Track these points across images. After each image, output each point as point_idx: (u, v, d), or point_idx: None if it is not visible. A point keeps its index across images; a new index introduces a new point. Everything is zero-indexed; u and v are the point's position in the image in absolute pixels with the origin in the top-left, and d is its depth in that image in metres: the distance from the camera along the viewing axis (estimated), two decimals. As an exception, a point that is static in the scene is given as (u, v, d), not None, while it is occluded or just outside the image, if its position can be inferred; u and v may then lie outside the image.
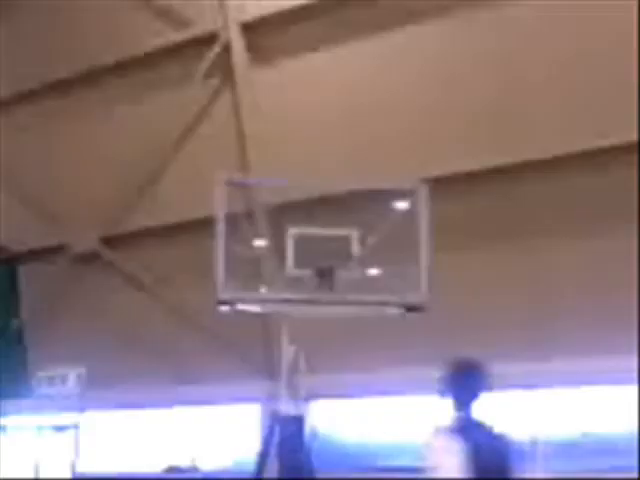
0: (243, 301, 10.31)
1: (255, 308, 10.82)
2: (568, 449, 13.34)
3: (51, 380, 17.62)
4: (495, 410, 13.74)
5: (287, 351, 10.41)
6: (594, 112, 12.69)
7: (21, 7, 18.04)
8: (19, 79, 17.74)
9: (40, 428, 17.98)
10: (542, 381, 13.31)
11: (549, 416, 13.60)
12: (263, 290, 12.16)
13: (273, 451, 9.75)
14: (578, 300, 12.96)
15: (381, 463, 14.59)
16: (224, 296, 9.92)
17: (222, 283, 9.82)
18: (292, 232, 10.19)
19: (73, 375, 17.56)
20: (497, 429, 4.53)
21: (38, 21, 17.83)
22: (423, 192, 10.15)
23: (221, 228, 10.04)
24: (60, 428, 17.81)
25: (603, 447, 13.01)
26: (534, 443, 13.54)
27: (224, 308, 10.21)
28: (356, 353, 14.39)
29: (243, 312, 10.65)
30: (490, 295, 13.64)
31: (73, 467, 17.35)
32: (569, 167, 12.93)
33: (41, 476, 17.53)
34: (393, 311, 10.36)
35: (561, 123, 13.01)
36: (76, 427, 17.61)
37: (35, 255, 18.40)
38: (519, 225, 13.57)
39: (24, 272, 18.84)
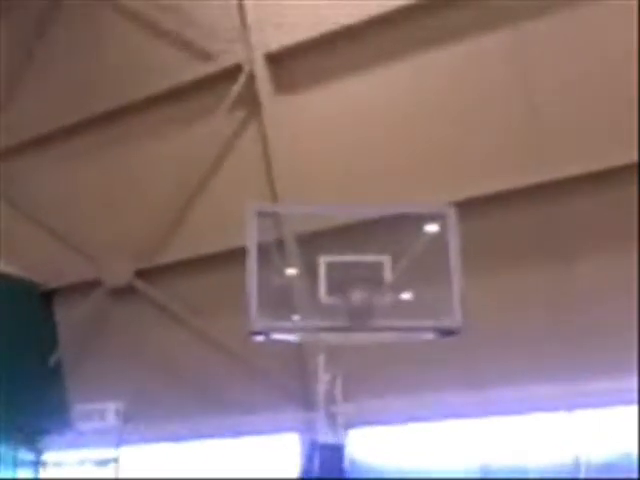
0: (277, 330, 10.32)
1: (289, 337, 10.83)
2: (612, 469, 13.12)
3: (90, 415, 17.68)
4: (538, 431, 13.64)
5: (323, 380, 10.40)
6: (615, 130, 12.63)
7: (48, 47, 18.37)
8: (51, 117, 18.02)
9: (80, 463, 18.04)
10: (582, 402, 13.15)
11: (592, 437, 13.40)
12: (296, 319, 12.18)
13: (313, 480, 9.71)
14: (608, 319, 12.81)
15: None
16: (258, 326, 9.94)
17: (255, 313, 9.84)
18: (323, 260, 10.20)
19: (112, 409, 17.60)
20: None
21: (68, 59, 18.11)
22: (452, 215, 10.14)
23: (253, 258, 10.08)
24: (100, 463, 17.85)
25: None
26: (577, 465, 13.35)
27: (258, 338, 10.23)
28: (393, 379, 14.30)
29: (278, 342, 10.65)
30: (521, 317, 13.52)
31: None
32: (595, 185, 12.87)
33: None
34: (428, 336, 10.31)
35: (583, 142, 12.96)
36: (116, 461, 17.64)
37: (71, 290, 18.57)
38: (545, 246, 13.49)
39: (61, 307, 19.01)
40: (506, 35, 13.35)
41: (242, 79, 15.66)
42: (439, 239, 10.08)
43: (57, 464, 18.51)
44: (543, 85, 13.24)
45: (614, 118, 12.68)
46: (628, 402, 12.79)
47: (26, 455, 18.52)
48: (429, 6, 13.75)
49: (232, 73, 15.77)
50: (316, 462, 9.83)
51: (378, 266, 10.04)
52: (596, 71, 12.84)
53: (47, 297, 18.99)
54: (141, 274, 17.54)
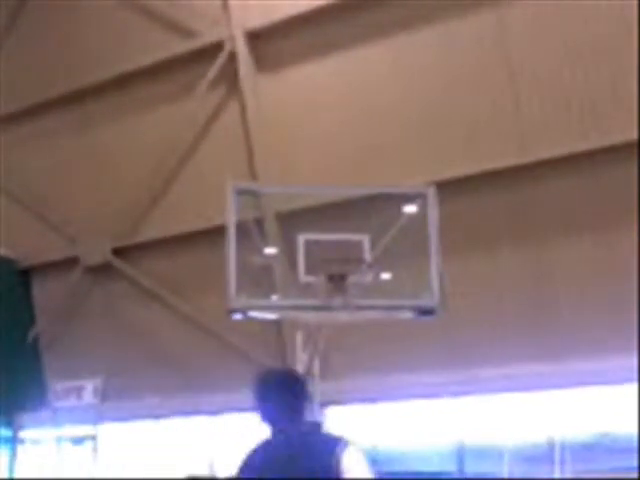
0: (255, 309, 10.34)
1: (267, 315, 10.85)
2: (587, 450, 13.28)
3: (67, 392, 17.66)
4: (511, 412, 13.79)
5: (301, 358, 10.44)
6: (595, 113, 12.71)
7: (27, 22, 18.16)
8: (29, 93, 17.85)
9: (58, 440, 18.02)
10: (556, 382, 13.28)
11: (567, 417, 13.54)
12: (275, 297, 12.20)
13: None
14: (584, 300, 12.95)
15: (397, 468, 14.56)
16: (236, 304, 9.95)
17: (233, 291, 9.85)
18: (302, 238, 10.21)
19: (89, 387, 17.58)
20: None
21: (45, 35, 17.93)
22: (432, 195, 10.18)
23: (232, 236, 10.07)
24: (78, 440, 17.84)
25: (622, 447, 12.93)
26: (551, 445, 13.50)
27: (237, 316, 10.25)
28: (370, 358, 14.38)
29: (257, 320, 10.68)
30: (497, 297, 13.62)
31: (92, 479, 17.37)
32: (573, 167, 12.95)
33: (60, 488, 17.58)
34: (406, 315, 10.37)
35: (562, 125, 13.02)
36: (94, 439, 17.64)
37: (49, 267, 18.48)
38: (523, 227, 13.58)
39: (38, 284, 18.93)
40: (488, 16, 13.34)
41: (223, 57, 15.57)
42: (418, 219, 10.12)
43: (34, 442, 18.48)
44: (525, 67, 13.26)
45: (594, 101, 12.74)
46: (604, 382, 12.95)
47: (3, 432, 18.48)
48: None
49: (213, 51, 15.66)
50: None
51: (357, 245, 10.07)
52: (578, 53, 12.87)
53: (25, 274, 18.89)
54: (119, 252, 17.47)
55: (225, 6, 15.54)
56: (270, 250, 13.69)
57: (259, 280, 11.17)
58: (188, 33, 16.09)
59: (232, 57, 15.52)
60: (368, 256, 10.07)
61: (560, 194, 13.17)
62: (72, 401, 17.53)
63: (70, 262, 17.96)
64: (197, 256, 16.13)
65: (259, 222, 13.59)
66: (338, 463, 3.50)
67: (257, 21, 15.19)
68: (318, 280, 9.95)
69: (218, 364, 16.20)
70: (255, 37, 15.34)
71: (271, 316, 11.04)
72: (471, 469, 14.09)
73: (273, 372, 4.08)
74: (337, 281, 9.91)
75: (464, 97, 13.72)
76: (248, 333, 14.71)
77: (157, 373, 16.87)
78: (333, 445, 3.68)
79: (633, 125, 12.20)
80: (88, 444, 17.70)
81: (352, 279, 9.96)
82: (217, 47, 15.62)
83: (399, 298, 10.00)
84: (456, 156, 13.68)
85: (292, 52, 15.05)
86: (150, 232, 17.02)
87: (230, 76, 15.65)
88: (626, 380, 12.54)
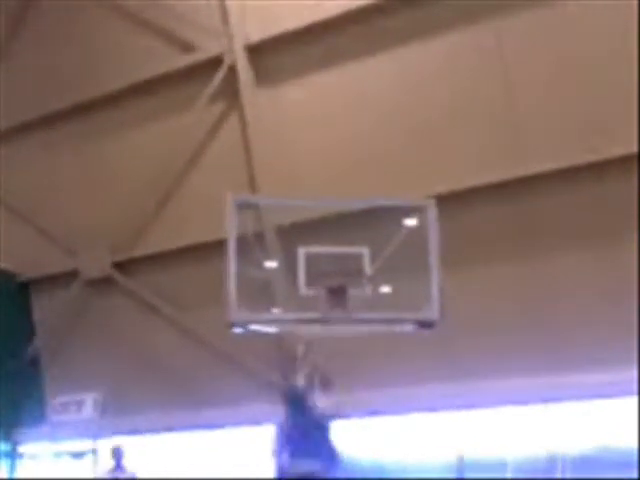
0: (256, 322, 10.33)
1: (268, 329, 10.84)
2: (587, 463, 13.23)
3: (67, 406, 17.61)
4: (515, 424, 13.74)
5: (302, 371, 10.44)
6: (594, 125, 12.74)
7: (28, 36, 18.22)
8: (29, 106, 17.89)
9: (57, 455, 17.95)
10: (557, 395, 13.26)
11: (568, 430, 13.50)
12: (276, 311, 12.21)
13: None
14: (584, 313, 12.94)
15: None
16: (236, 318, 9.94)
17: (234, 305, 9.84)
18: (303, 251, 10.22)
19: (89, 401, 17.54)
20: None
21: (45, 49, 17.99)
22: (432, 208, 10.19)
23: (232, 250, 10.07)
24: (77, 455, 17.78)
25: (622, 460, 12.88)
26: (551, 458, 13.46)
27: (237, 330, 10.23)
28: (371, 371, 14.35)
29: (257, 334, 10.66)
30: (498, 310, 13.60)
31: (91, 493, 17.32)
32: (573, 180, 12.97)
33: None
34: (406, 328, 10.36)
35: (562, 137, 13.06)
36: (93, 453, 17.57)
37: (48, 281, 18.46)
38: (524, 240, 13.58)
39: (38, 298, 18.89)
40: (488, 29, 13.39)
41: (223, 70, 15.63)
42: (418, 232, 10.13)
43: (34, 456, 18.41)
44: (524, 80, 13.30)
45: (593, 113, 12.77)
46: (605, 395, 12.92)
47: (2, 447, 18.41)
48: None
49: (213, 64, 15.72)
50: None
51: (357, 258, 10.08)
52: (576, 67, 12.92)
53: (24, 287, 18.85)
54: (119, 266, 17.46)
55: (225, 20, 15.61)
56: (270, 263, 13.69)
57: (259, 293, 11.16)
58: (188, 47, 16.15)
59: (232, 71, 15.57)
60: (368, 269, 10.08)
61: (560, 207, 13.18)
62: (71, 415, 17.49)
63: (70, 275, 17.94)
64: (197, 270, 16.11)
65: (259, 235, 13.60)
66: None
67: (257, 35, 15.26)
68: (318, 293, 9.96)
69: (218, 378, 16.16)
70: (255, 51, 15.40)
71: (272, 329, 11.02)
72: (472, 483, 14.04)
73: None
74: (337, 294, 9.91)
75: (463, 111, 13.75)
76: (249, 346, 14.66)
77: (157, 387, 16.82)
78: None
79: (633, 138, 12.24)
80: (88, 458, 17.64)
81: (352, 292, 9.96)
82: (217, 61, 15.67)
83: (399, 311, 9.99)
84: (456, 169, 13.70)
85: (292, 66, 15.09)
86: (151, 245, 17.02)
87: (230, 90, 15.70)
88: (626, 393, 12.52)
